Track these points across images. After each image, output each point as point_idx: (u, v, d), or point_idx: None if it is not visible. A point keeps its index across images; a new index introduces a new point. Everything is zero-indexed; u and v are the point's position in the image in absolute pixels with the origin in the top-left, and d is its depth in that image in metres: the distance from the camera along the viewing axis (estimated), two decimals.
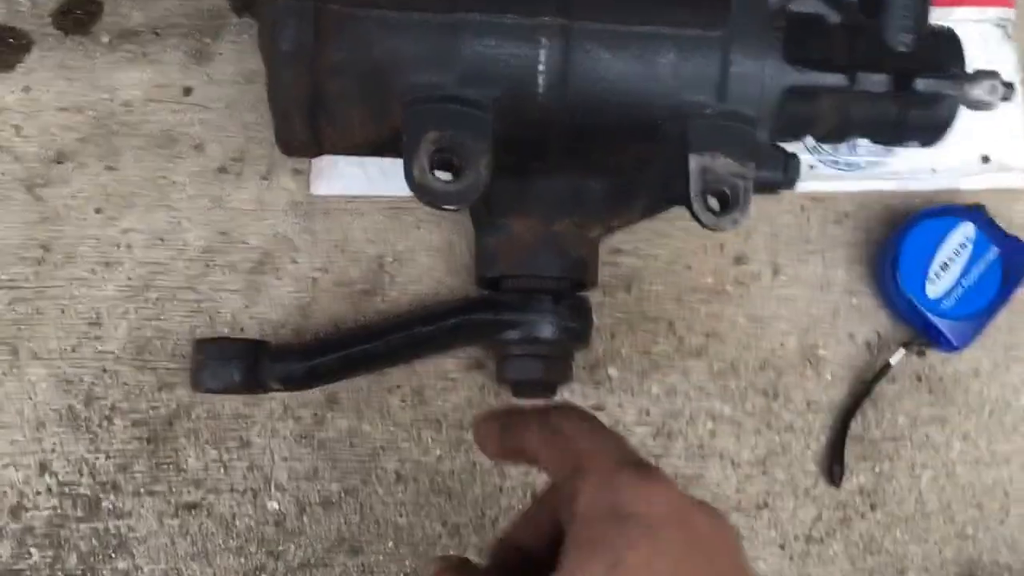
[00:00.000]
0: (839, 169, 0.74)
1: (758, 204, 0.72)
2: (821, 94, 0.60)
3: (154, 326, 0.72)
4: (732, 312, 0.74)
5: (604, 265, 0.73)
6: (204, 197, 0.74)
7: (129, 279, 0.73)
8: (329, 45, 0.57)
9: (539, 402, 0.59)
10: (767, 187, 0.61)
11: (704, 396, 0.73)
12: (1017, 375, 0.73)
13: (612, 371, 0.73)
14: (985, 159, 0.74)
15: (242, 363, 0.65)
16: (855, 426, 0.72)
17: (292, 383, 0.66)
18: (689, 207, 0.58)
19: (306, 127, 0.59)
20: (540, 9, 0.58)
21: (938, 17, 0.73)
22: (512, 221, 0.65)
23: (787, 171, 0.61)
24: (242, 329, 0.72)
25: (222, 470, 0.71)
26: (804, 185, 0.73)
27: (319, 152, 0.62)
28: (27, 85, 0.76)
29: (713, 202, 0.59)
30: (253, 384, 0.65)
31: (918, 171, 0.73)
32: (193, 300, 0.73)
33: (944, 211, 0.71)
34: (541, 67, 0.58)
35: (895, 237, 0.71)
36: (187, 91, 0.76)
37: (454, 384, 0.72)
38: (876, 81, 0.60)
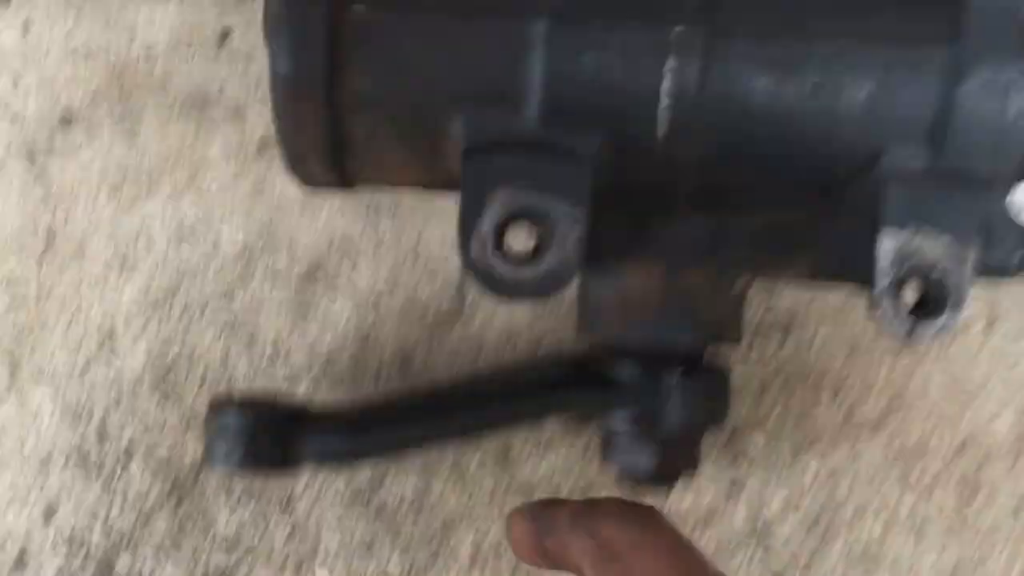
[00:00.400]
0: None
1: None
2: None
3: (180, 345, 0.58)
4: (925, 373, 0.57)
5: (755, 294, 0.56)
6: (244, 180, 0.59)
7: (150, 284, 0.59)
8: (352, 67, 0.39)
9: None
10: (995, 274, 0.43)
11: (877, 484, 0.57)
12: None
13: (757, 440, 0.57)
14: None
15: (267, 437, 0.51)
16: None
17: (331, 461, 0.52)
18: (873, 303, 0.40)
19: (328, 170, 0.43)
20: (669, 13, 0.39)
21: None
22: (626, 268, 0.48)
23: None
24: (288, 354, 0.58)
25: (259, 532, 0.58)
26: None
27: (352, 188, 0.46)
28: (27, 20, 0.60)
29: (910, 296, 0.41)
30: (280, 461, 0.51)
31: None
32: (227, 315, 0.59)
33: None
34: (665, 100, 0.39)
35: None
36: (224, 35, 0.60)
37: (549, 444, 0.58)
38: None
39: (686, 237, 0.47)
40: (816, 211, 0.43)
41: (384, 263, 0.58)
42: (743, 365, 0.56)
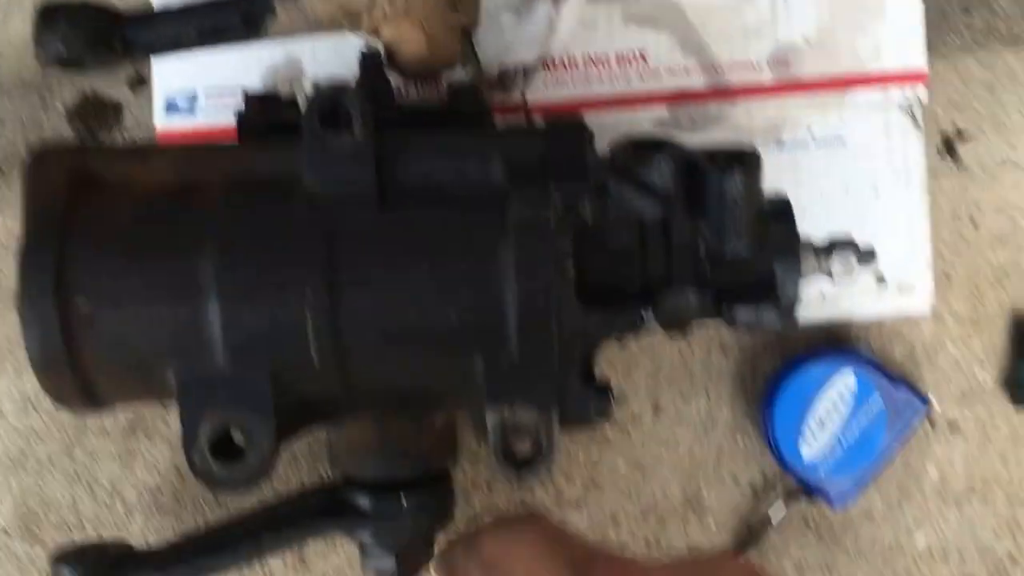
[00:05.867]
0: None
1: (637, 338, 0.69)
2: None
3: (37, 497, 0.72)
4: (612, 458, 0.70)
5: None
6: None
7: (7, 448, 0.72)
8: (86, 346, 0.53)
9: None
10: (579, 425, 0.57)
11: None
12: (911, 515, 0.69)
13: None
14: (880, 279, 0.67)
15: None
16: None
17: None
18: (491, 460, 0.54)
19: (86, 404, 0.56)
20: (298, 280, 0.53)
21: (831, 104, 0.66)
22: (346, 422, 0.62)
23: (600, 408, 0.56)
24: (123, 499, 0.72)
25: None
26: None
27: (102, 408, 0.60)
28: None
29: (522, 449, 0.55)
30: None
31: (805, 300, 0.66)
32: (71, 468, 0.72)
33: (820, 357, 0.65)
34: (311, 340, 0.53)
35: (768, 390, 0.66)
36: None
37: (335, 543, 0.71)
38: (688, 305, 0.54)
39: (380, 399, 0.61)
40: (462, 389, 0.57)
41: None
42: (472, 467, 0.70)
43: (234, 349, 0.53)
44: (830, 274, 0.56)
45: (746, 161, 0.55)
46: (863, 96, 0.67)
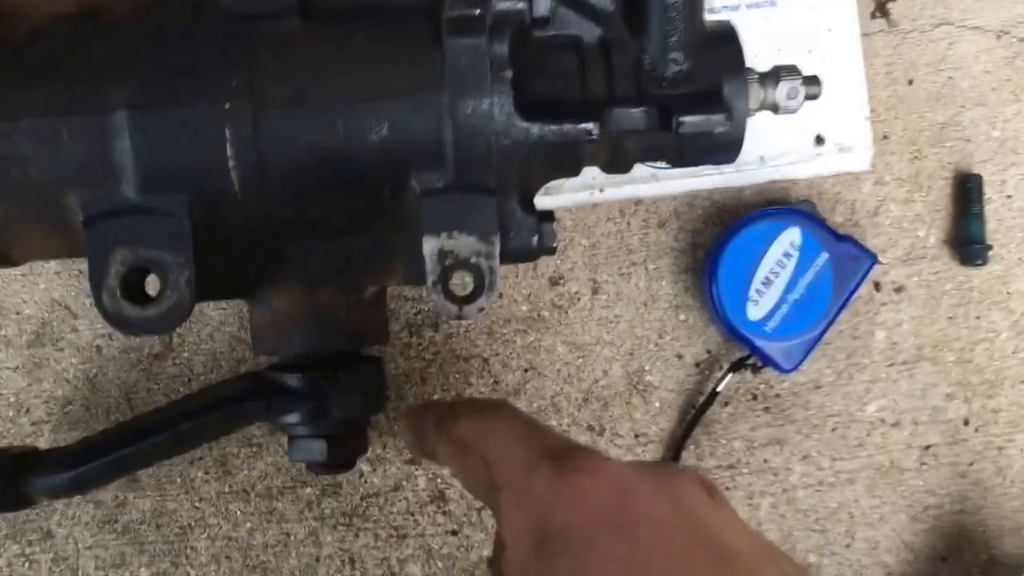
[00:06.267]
0: (654, 168, 0.65)
1: (573, 215, 0.66)
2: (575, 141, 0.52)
3: None
4: (550, 341, 0.67)
5: (407, 300, 0.67)
6: None
7: None
8: None
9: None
10: (521, 258, 0.54)
11: None
12: (861, 384, 0.67)
13: None
14: (819, 140, 0.65)
15: None
16: (687, 456, 0.66)
17: (59, 494, 0.61)
18: (429, 294, 0.51)
19: None
20: (217, 93, 0.49)
21: None
22: (271, 295, 0.58)
23: (542, 238, 0.53)
24: (28, 410, 0.67)
25: (26, 564, 0.67)
26: (618, 191, 0.66)
27: (19, 264, 0.55)
28: None
29: (461, 283, 0.51)
30: (16, 501, 0.60)
31: (744, 163, 0.65)
32: None
33: (764, 215, 0.63)
34: (231, 162, 0.50)
35: (712, 252, 0.64)
36: None
37: (259, 450, 0.67)
38: (634, 118, 0.51)
39: (313, 260, 0.57)
40: (386, 228, 0.54)
41: (100, 318, 0.68)
42: (405, 359, 0.67)
43: (146, 174, 0.49)
44: (775, 107, 0.54)
45: None
46: None
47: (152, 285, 0.50)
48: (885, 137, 0.67)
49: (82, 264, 0.67)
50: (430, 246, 0.51)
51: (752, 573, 0.35)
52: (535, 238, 0.53)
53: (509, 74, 0.49)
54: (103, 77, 0.49)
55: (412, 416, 0.47)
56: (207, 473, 0.67)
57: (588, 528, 0.34)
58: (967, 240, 0.66)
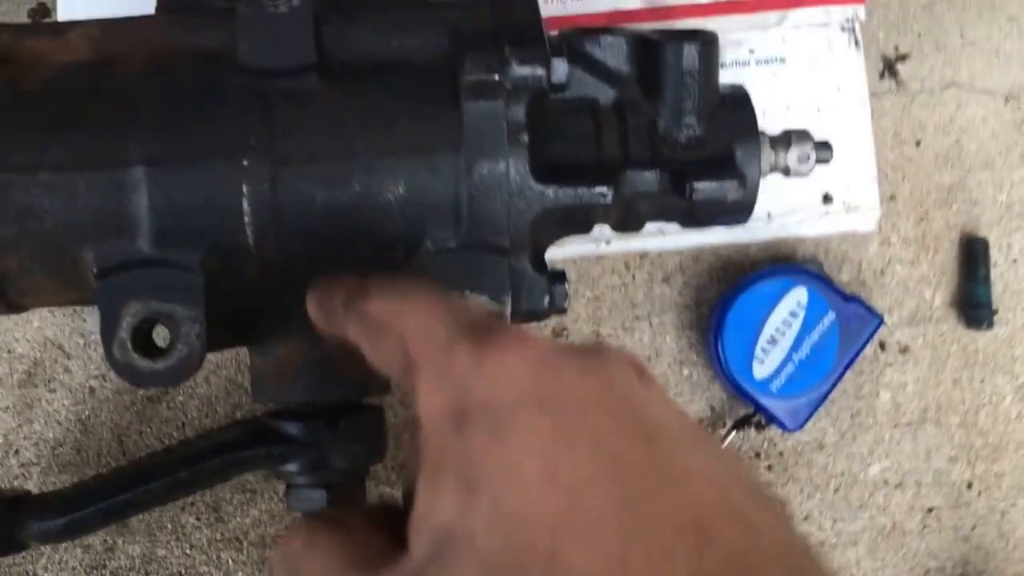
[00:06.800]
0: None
1: (577, 266, 0.66)
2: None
3: None
4: None
5: None
6: None
7: None
8: None
9: None
10: (532, 317, 0.53)
11: None
12: (865, 444, 0.66)
13: None
14: (827, 198, 0.65)
15: None
16: None
17: (53, 539, 0.60)
18: None
19: None
20: (236, 149, 0.48)
21: (775, 23, 0.65)
22: (276, 343, 0.57)
23: (553, 298, 0.53)
24: (17, 452, 0.66)
25: None
26: (624, 244, 0.65)
27: (26, 311, 0.54)
28: None
29: None
30: (8, 545, 0.59)
31: (751, 220, 0.63)
32: None
33: (772, 273, 0.63)
34: (247, 218, 0.49)
35: (718, 309, 0.63)
36: None
37: (253, 496, 0.66)
38: (648, 182, 0.51)
39: None
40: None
41: (93, 358, 0.67)
42: (404, 408, 0.66)
43: (162, 227, 0.49)
44: (786, 170, 0.55)
45: (702, 37, 0.53)
46: (804, 15, 0.66)
47: (160, 336, 0.49)
48: (892, 198, 0.67)
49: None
50: None
51: (677, 451, 0.33)
52: (546, 298, 0.53)
53: (526, 138, 0.49)
54: (121, 130, 0.48)
55: (321, 291, 0.44)
56: (199, 519, 0.66)
57: (510, 403, 0.32)
58: (973, 303, 0.66)
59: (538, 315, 0.53)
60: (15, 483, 0.66)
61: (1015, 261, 0.67)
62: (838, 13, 0.66)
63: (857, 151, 0.65)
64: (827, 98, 0.66)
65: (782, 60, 0.66)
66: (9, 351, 0.66)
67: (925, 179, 0.67)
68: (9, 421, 0.66)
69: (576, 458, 0.32)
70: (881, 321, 0.63)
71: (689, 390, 0.66)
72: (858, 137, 0.65)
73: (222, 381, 0.67)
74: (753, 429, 0.65)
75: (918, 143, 0.68)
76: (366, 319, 0.40)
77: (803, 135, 0.54)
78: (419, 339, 0.36)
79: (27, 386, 0.66)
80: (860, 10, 0.66)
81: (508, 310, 0.51)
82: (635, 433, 0.33)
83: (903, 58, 0.69)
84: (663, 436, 0.33)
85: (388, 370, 0.39)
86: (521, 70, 0.49)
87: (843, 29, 0.66)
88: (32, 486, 0.66)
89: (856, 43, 0.66)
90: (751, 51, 0.66)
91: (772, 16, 0.66)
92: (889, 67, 0.68)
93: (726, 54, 0.66)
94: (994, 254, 0.67)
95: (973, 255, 0.66)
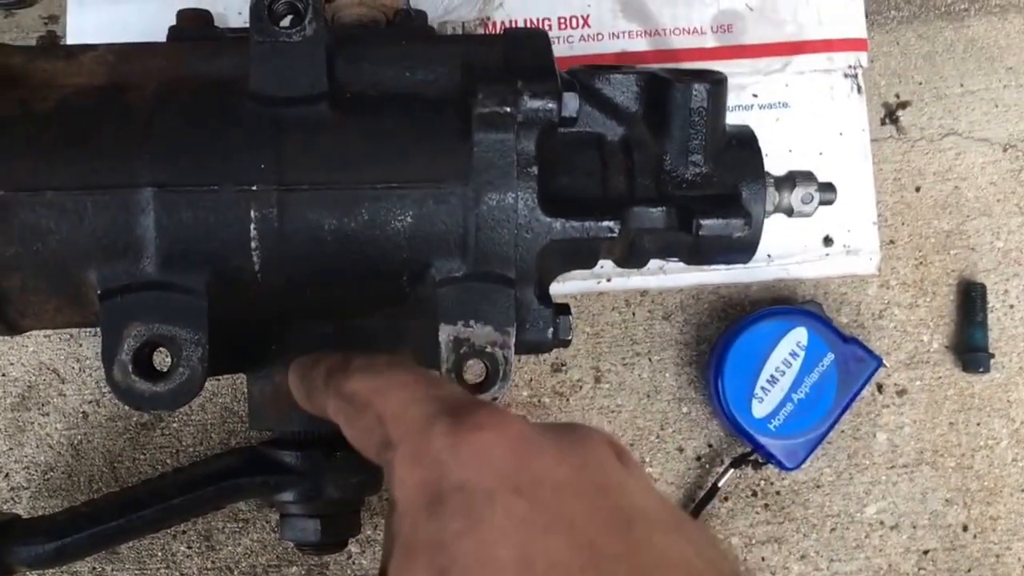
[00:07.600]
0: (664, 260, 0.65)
1: (578, 302, 0.66)
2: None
3: None
4: None
5: None
6: None
7: None
8: None
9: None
10: (536, 349, 0.53)
11: None
12: (861, 485, 0.66)
13: None
14: (828, 241, 0.66)
15: None
16: None
17: (42, 564, 0.59)
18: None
19: None
20: (245, 174, 0.48)
21: (779, 68, 0.66)
22: (275, 370, 0.57)
23: (557, 331, 0.53)
24: (7, 475, 0.65)
25: None
26: (625, 281, 0.65)
27: (24, 332, 0.54)
28: None
29: (474, 372, 0.51)
30: None
31: (752, 260, 0.65)
32: None
33: (773, 313, 0.63)
34: (254, 243, 0.49)
35: (718, 348, 0.64)
36: None
37: (245, 525, 0.66)
38: (654, 218, 0.52)
39: (319, 340, 0.57)
40: (399, 313, 0.53)
41: (88, 383, 0.66)
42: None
43: (168, 251, 0.48)
44: (789, 211, 0.55)
45: (711, 77, 0.53)
46: (807, 61, 0.67)
47: (160, 360, 0.49)
48: (891, 242, 0.68)
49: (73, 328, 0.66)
50: (446, 334, 0.50)
51: (653, 538, 0.33)
52: (550, 331, 0.53)
53: (535, 170, 0.49)
54: (131, 153, 0.48)
55: (302, 368, 0.45)
56: (190, 547, 0.65)
57: (486, 487, 0.32)
58: (970, 347, 0.66)
59: (542, 347, 0.53)
60: (5, 507, 0.65)
61: (1012, 307, 0.68)
62: (841, 59, 0.67)
63: (858, 195, 0.66)
64: (829, 143, 0.66)
65: (785, 104, 0.67)
66: (3, 374, 0.66)
67: (924, 224, 0.68)
68: (0, 444, 0.65)
69: (550, 545, 0.31)
70: (880, 363, 0.63)
71: (688, 427, 0.66)
72: (859, 181, 0.66)
73: (217, 409, 0.66)
74: (751, 467, 0.65)
75: (918, 189, 0.68)
76: (346, 396, 0.40)
77: (807, 176, 0.55)
78: (397, 418, 0.36)
79: (20, 409, 0.66)
80: (863, 57, 0.67)
81: (512, 340, 0.51)
82: (611, 519, 0.33)
83: (904, 105, 0.70)
84: (640, 521, 0.33)
85: (365, 448, 0.39)
86: (533, 103, 0.50)
87: (846, 75, 0.67)
88: (22, 510, 0.65)
89: (859, 89, 0.67)
90: (755, 95, 0.67)
91: (776, 61, 0.67)
92: (890, 114, 0.69)
93: (730, 98, 0.66)
94: (991, 299, 0.67)
95: (970, 300, 0.67)
